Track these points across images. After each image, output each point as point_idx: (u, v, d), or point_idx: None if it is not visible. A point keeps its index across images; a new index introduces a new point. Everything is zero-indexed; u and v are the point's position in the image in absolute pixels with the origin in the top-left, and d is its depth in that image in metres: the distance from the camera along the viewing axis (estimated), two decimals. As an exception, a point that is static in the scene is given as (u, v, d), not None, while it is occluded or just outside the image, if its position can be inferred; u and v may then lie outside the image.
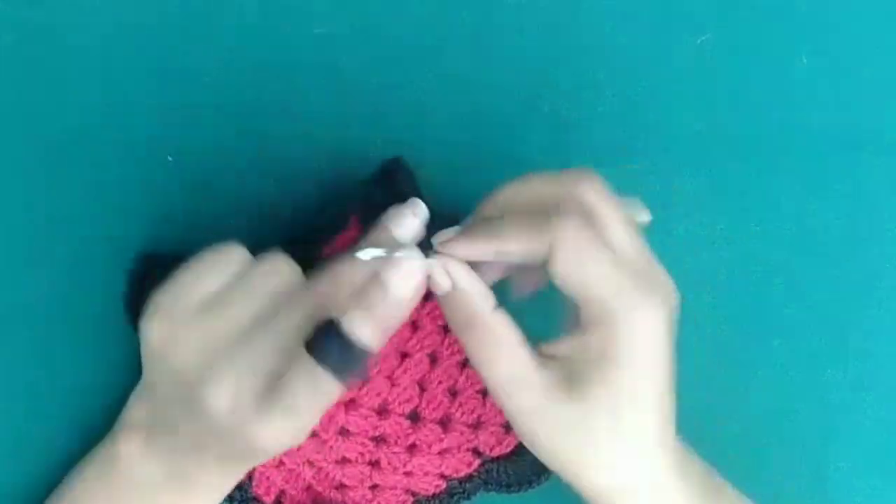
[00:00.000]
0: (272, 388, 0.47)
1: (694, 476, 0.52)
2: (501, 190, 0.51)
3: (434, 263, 0.50)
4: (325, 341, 0.47)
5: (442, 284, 0.51)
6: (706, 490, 0.53)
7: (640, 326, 0.49)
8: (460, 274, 0.50)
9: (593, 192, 0.49)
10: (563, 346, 0.50)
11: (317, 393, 0.47)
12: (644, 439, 0.50)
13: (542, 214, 0.49)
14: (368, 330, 0.48)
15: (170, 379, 0.49)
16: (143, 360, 0.50)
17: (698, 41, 0.61)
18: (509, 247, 0.49)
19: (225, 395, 0.47)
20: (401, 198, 0.52)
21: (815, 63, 0.61)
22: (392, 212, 0.51)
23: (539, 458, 0.52)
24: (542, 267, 0.50)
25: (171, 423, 0.50)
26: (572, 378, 0.49)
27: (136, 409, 0.53)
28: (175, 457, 0.51)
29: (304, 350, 0.47)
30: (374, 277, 0.49)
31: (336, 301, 0.48)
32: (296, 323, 0.48)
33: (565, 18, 0.61)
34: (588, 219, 0.49)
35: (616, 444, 0.50)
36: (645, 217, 0.52)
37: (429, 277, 0.50)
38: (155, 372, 0.50)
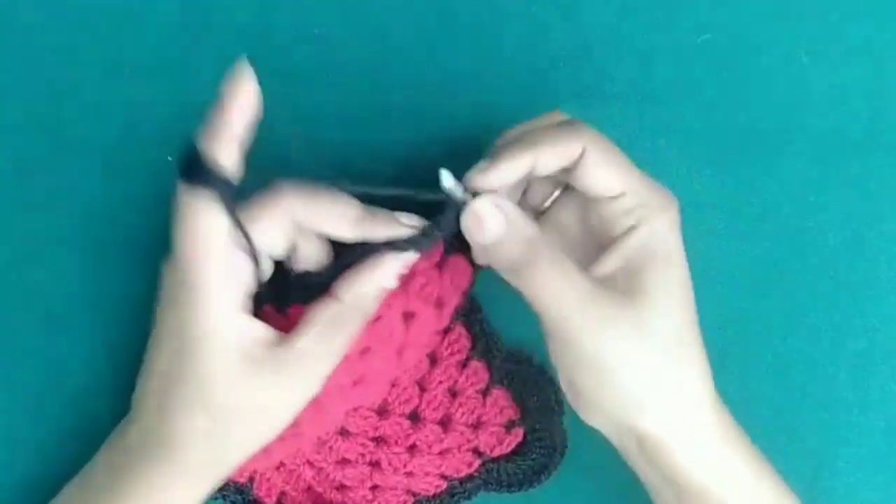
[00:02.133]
0: None
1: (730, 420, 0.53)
2: (513, 129, 0.54)
3: (484, 202, 0.51)
4: (186, 149, 0.49)
5: (499, 221, 0.51)
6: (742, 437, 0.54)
7: (673, 219, 0.52)
8: (509, 206, 0.52)
9: (588, 128, 0.52)
10: (607, 263, 0.52)
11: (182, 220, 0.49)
12: (690, 342, 0.52)
13: (565, 124, 0.52)
14: (208, 134, 0.48)
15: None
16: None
17: (698, 41, 0.61)
18: (545, 157, 0.51)
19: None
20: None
21: (815, 63, 0.61)
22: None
23: (589, 395, 0.52)
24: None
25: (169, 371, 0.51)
26: (629, 284, 0.51)
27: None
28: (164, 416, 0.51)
29: None
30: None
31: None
32: None
33: (565, 18, 0.61)
34: None
35: (672, 348, 0.51)
36: None
37: (480, 225, 0.51)
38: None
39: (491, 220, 0.51)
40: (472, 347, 0.58)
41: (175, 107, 0.60)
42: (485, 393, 0.58)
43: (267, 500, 0.58)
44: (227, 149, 0.48)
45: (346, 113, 0.60)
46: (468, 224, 0.52)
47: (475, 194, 0.52)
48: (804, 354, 0.61)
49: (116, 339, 0.58)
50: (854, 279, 0.61)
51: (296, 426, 0.52)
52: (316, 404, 0.52)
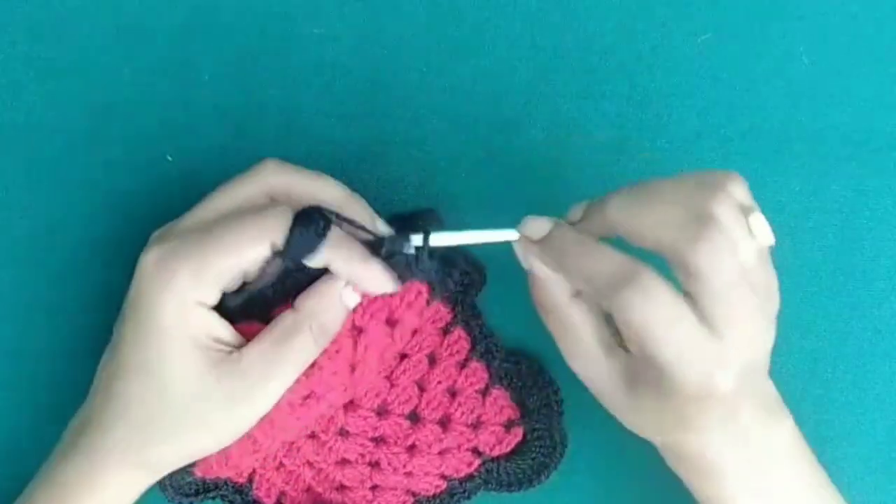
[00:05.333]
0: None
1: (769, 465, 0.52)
2: (622, 200, 0.50)
3: (522, 248, 0.52)
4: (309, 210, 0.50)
5: (527, 266, 0.52)
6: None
7: (694, 391, 0.49)
8: (539, 265, 0.52)
9: (715, 240, 0.48)
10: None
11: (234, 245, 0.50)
12: (693, 429, 0.51)
13: (616, 278, 0.48)
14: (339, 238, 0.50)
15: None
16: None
17: (698, 41, 0.61)
18: (573, 284, 0.51)
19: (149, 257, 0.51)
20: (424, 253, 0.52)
21: (815, 63, 0.61)
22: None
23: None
24: None
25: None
26: (630, 374, 0.51)
27: None
28: (87, 441, 0.52)
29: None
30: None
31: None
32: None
33: (565, 18, 0.61)
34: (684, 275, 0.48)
35: (671, 431, 0.51)
36: (768, 239, 0.51)
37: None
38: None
39: (521, 260, 0.52)
40: (472, 349, 0.58)
41: (175, 107, 0.60)
42: (484, 393, 0.58)
43: (266, 500, 0.58)
44: None
45: (346, 113, 0.60)
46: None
47: None
48: (804, 354, 0.61)
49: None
50: (854, 279, 0.61)
51: (249, 438, 0.52)
52: (266, 419, 0.52)
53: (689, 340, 0.48)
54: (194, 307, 0.50)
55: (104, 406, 0.51)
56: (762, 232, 0.50)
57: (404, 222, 0.53)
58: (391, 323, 0.53)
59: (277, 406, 0.51)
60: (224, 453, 0.53)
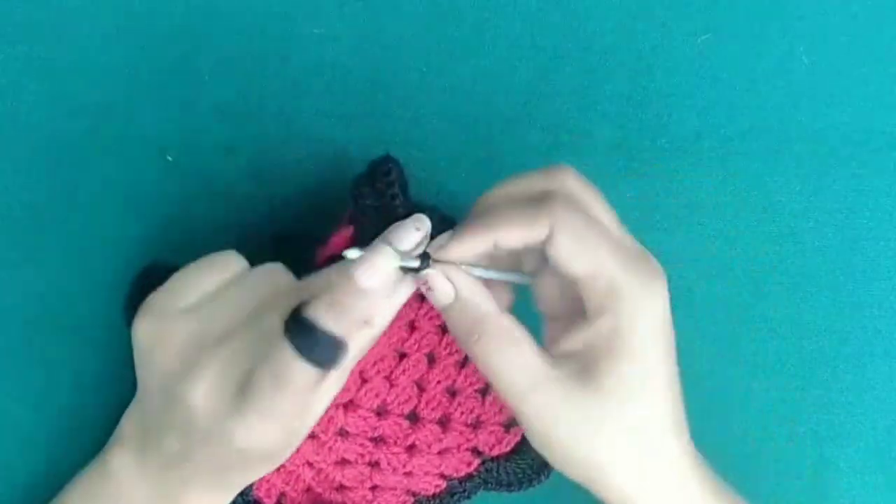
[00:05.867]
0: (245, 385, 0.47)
1: (707, 472, 0.52)
2: (489, 192, 0.50)
3: (434, 272, 0.50)
4: (293, 325, 0.47)
5: (446, 292, 0.50)
6: (720, 490, 0.52)
7: (648, 308, 0.48)
8: (462, 280, 0.50)
9: (576, 182, 0.49)
10: (571, 342, 0.50)
11: (283, 384, 0.46)
12: (658, 430, 0.50)
13: (535, 201, 0.48)
14: (331, 317, 0.47)
15: (156, 381, 0.49)
16: (136, 363, 0.50)
17: (698, 41, 0.61)
18: (507, 236, 0.49)
19: (202, 391, 0.47)
20: (389, 196, 0.53)
21: (815, 63, 0.61)
22: (395, 227, 0.50)
23: (554, 463, 0.51)
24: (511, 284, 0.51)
25: (159, 434, 0.50)
26: (586, 371, 0.49)
27: (128, 424, 0.52)
28: (163, 473, 0.50)
29: (271, 346, 0.47)
30: (343, 270, 0.48)
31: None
32: (278, 322, 0.47)
33: (565, 18, 0.61)
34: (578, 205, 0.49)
35: (630, 437, 0.49)
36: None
37: (431, 290, 0.50)
38: (144, 374, 0.50)
39: (438, 292, 0.50)
40: (471, 348, 0.58)
41: (175, 107, 0.60)
42: (483, 392, 0.58)
43: (266, 500, 0.58)
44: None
45: (346, 113, 0.60)
46: (421, 286, 0.50)
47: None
48: (804, 354, 0.61)
49: (116, 339, 0.58)
50: (854, 279, 0.61)
51: None
52: None
53: (621, 251, 0.48)
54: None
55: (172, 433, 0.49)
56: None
57: (365, 178, 0.54)
58: None
59: None
60: None
